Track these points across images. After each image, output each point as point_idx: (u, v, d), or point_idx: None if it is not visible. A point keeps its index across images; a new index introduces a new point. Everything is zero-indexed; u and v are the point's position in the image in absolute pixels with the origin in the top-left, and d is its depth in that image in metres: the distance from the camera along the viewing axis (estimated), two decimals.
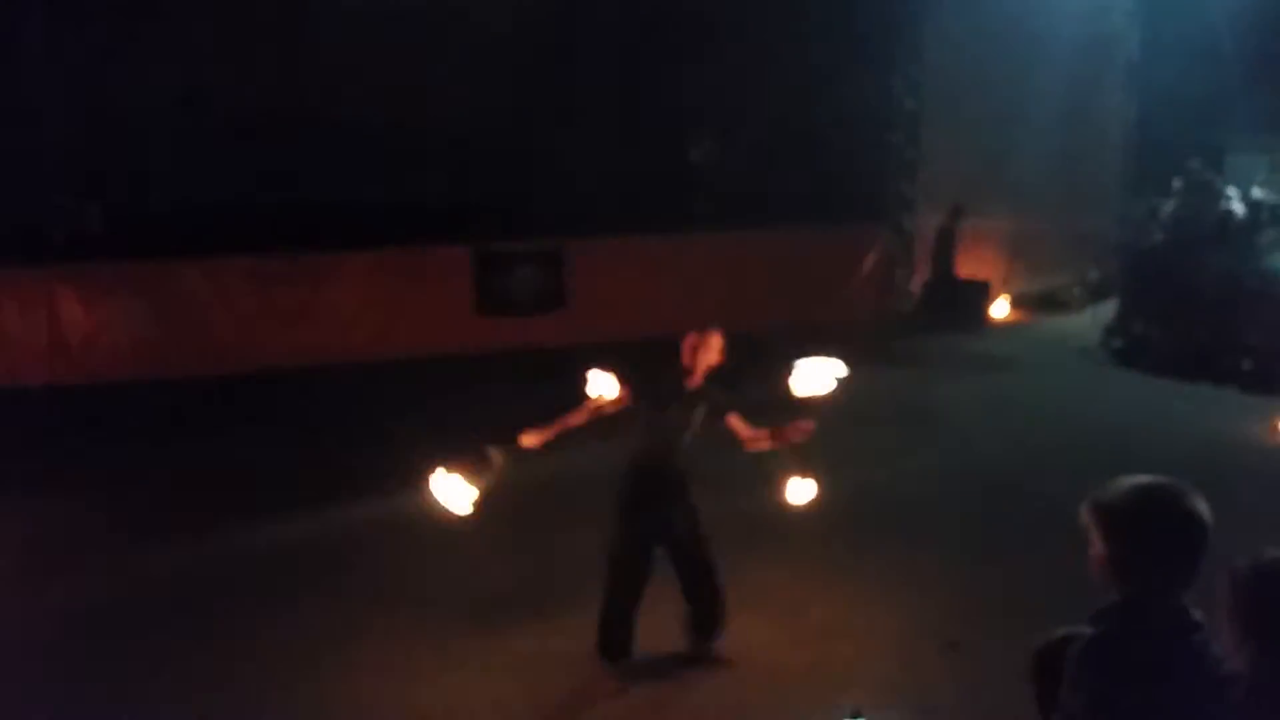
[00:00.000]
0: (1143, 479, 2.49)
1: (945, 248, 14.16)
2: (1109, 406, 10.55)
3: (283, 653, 5.60)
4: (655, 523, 5.26)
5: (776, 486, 5.32)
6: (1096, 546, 2.51)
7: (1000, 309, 14.65)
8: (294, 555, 6.86)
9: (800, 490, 5.31)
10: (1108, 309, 12.87)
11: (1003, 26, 13.89)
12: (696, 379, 5.29)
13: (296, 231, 11.80)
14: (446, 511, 4.98)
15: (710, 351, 5.30)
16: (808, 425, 5.20)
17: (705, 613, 5.42)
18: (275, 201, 12.13)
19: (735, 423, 5.32)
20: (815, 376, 5.30)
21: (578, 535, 6.45)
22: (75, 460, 8.66)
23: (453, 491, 4.73)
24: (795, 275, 13.52)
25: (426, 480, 4.90)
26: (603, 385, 5.30)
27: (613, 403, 5.29)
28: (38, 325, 11.01)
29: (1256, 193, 13.38)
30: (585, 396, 5.33)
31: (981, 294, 14.38)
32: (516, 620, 5.92)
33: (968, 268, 14.56)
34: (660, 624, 5.43)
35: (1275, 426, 9.51)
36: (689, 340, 5.34)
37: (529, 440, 5.20)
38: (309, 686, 5.29)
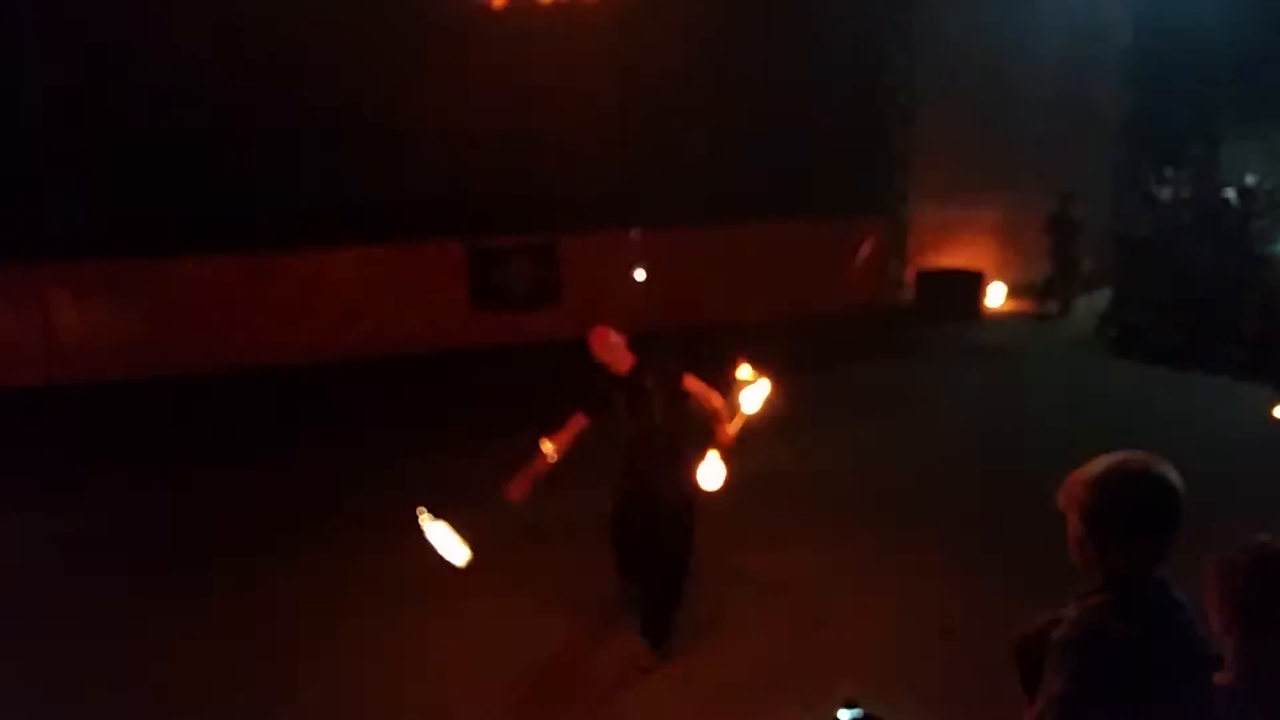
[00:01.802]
0: (1113, 456, 2.51)
1: (1065, 237, 14.04)
2: (1104, 395, 10.58)
3: (284, 645, 5.63)
4: (639, 491, 5.46)
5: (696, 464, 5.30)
6: (1074, 526, 2.53)
7: (996, 299, 14.68)
8: (294, 557, 6.88)
9: (711, 474, 5.25)
10: (1102, 298, 12.89)
11: (995, 18, 13.93)
12: (622, 367, 5.43)
13: (290, 227, 11.79)
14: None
15: (607, 344, 5.44)
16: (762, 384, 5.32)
17: (652, 601, 5.47)
18: (268, 198, 12.12)
19: (692, 382, 5.46)
20: (752, 397, 5.33)
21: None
22: (72, 462, 8.66)
23: (447, 541, 4.78)
24: (791, 267, 13.53)
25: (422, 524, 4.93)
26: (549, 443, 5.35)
27: (562, 438, 5.32)
28: (31, 325, 11.01)
29: (1250, 180, 13.42)
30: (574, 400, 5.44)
31: (976, 283, 14.41)
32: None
33: (962, 257, 14.60)
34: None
35: (1268, 415, 9.53)
36: (591, 341, 5.49)
37: (514, 495, 5.23)
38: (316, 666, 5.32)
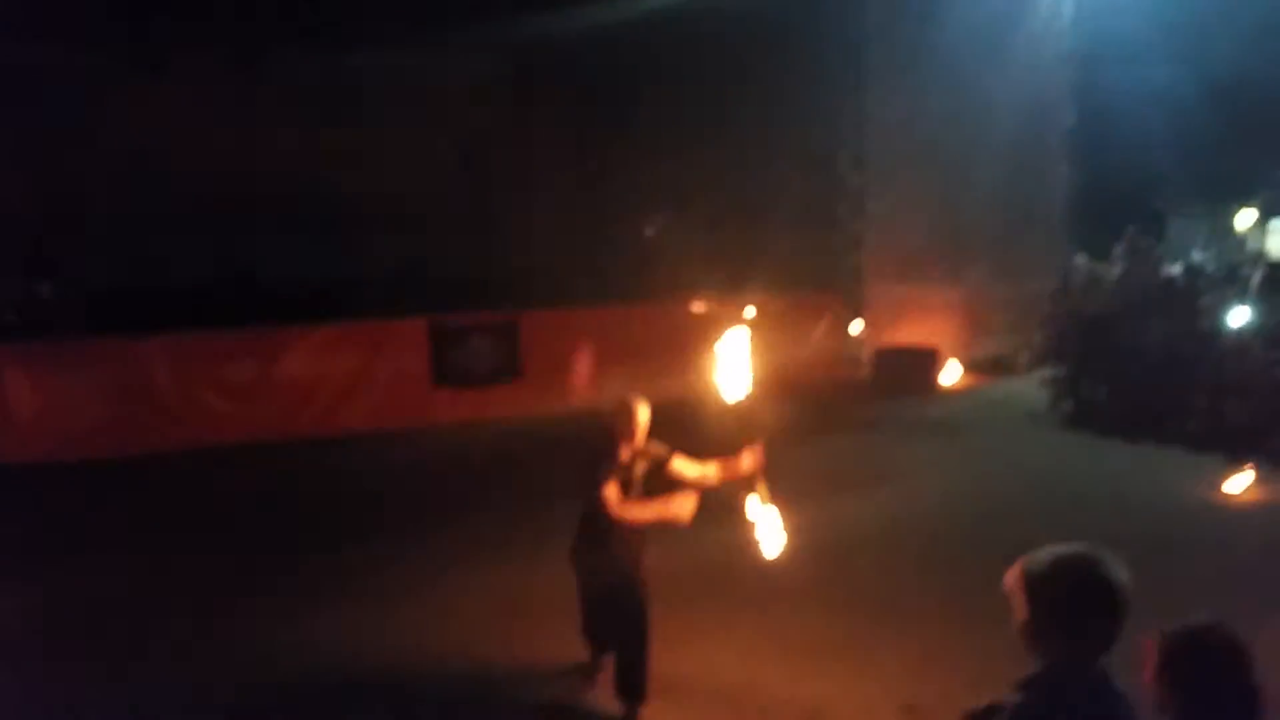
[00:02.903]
0: (1062, 547, 2.57)
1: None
2: (1060, 469, 10.71)
3: None
4: (585, 566, 5.54)
5: (747, 538, 5.26)
6: (1019, 613, 2.58)
7: (951, 374, 14.90)
8: (228, 644, 6.79)
9: (771, 540, 5.20)
10: (1056, 372, 13.11)
11: (944, 102, 14.32)
12: (627, 451, 5.42)
13: (252, 306, 11.82)
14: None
15: (627, 422, 5.42)
16: (757, 452, 5.35)
17: (624, 667, 5.48)
18: (230, 277, 12.16)
19: (680, 467, 5.52)
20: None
21: None
22: (26, 542, 8.52)
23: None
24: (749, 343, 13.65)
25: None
26: None
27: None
28: None
29: (1196, 257, 13.81)
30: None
31: (931, 359, 14.62)
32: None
33: (917, 334, 14.84)
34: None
35: (1219, 487, 9.72)
36: (612, 417, 5.46)
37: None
38: None
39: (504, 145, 15.14)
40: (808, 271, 14.36)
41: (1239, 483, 9.71)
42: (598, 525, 5.39)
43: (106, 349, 11.40)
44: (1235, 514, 9.23)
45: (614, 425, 5.43)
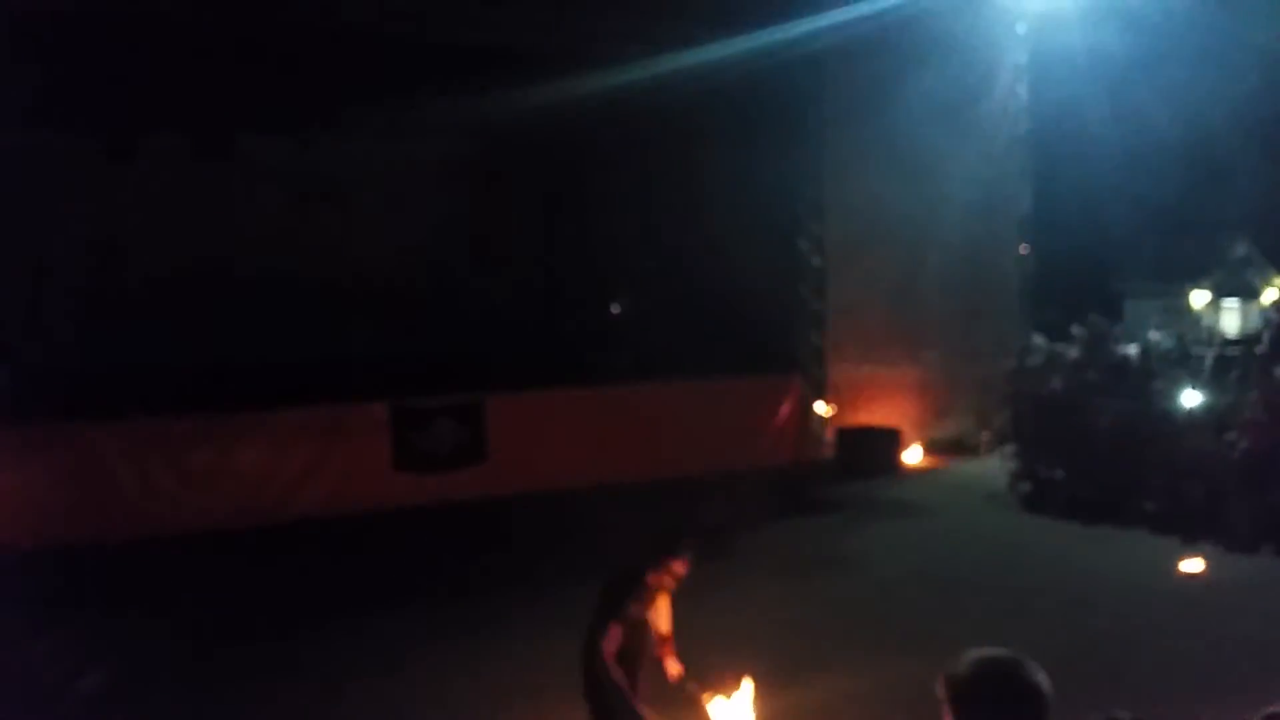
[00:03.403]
0: (985, 652, 2.61)
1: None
2: (1018, 552, 10.77)
3: None
4: None
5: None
6: (947, 717, 2.61)
7: (913, 455, 14.99)
8: None
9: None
10: (1014, 453, 13.21)
11: (902, 185, 14.59)
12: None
13: (208, 391, 11.73)
14: None
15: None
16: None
17: None
18: (186, 360, 12.09)
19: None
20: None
21: None
22: None
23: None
24: (713, 424, 13.71)
25: None
26: None
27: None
28: None
29: (1153, 336, 14.01)
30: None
31: (893, 439, 14.72)
32: None
33: (879, 414, 14.94)
34: None
35: (1176, 568, 9.79)
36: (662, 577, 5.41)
37: None
38: None
39: (468, 226, 15.28)
40: (771, 352, 14.47)
41: (1194, 565, 9.78)
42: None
43: (61, 434, 11.25)
44: (1191, 596, 9.30)
45: (650, 574, 5.39)
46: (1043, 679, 2.55)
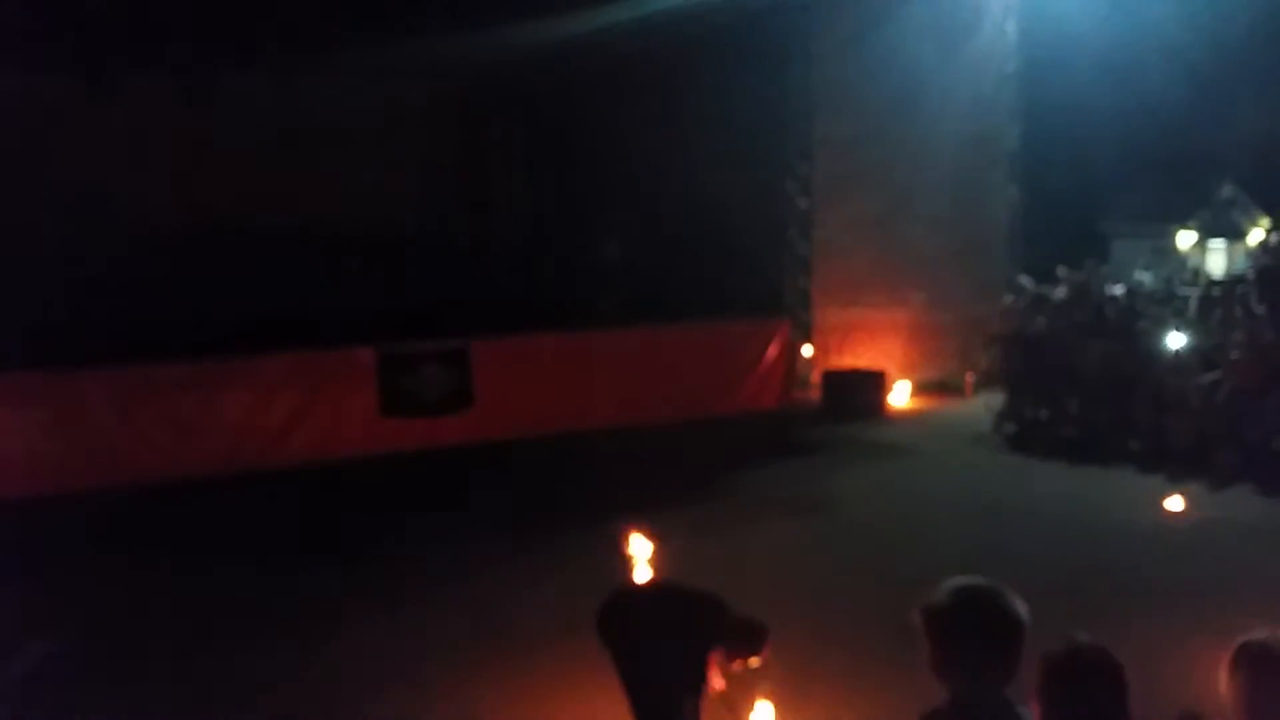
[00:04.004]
0: (962, 580, 2.64)
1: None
2: (1002, 491, 10.85)
3: None
4: None
5: None
6: (925, 647, 2.64)
7: (898, 397, 15.04)
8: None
9: None
10: (1000, 394, 13.27)
11: (888, 128, 14.51)
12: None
13: (196, 338, 11.68)
14: None
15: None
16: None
17: None
18: (172, 308, 12.03)
19: None
20: None
21: None
22: None
23: None
24: (700, 369, 13.73)
25: None
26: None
27: None
28: None
29: (1139, 277, 14.04)
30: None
31: (879, 382, 14.75)
32: None
33: (865, 357, 14.98)
34: None
35: (1162, 505, 9.89)
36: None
37: None
38: None
39: (454, 169, 15.16)
40: (757, 294, 14.46)
41: (1178, 502, 9.88)
42: None
43: (46, 382, 11.22)
44: (1174, 532, 9.41)
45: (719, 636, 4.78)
46: (1021, 608, 2.58)
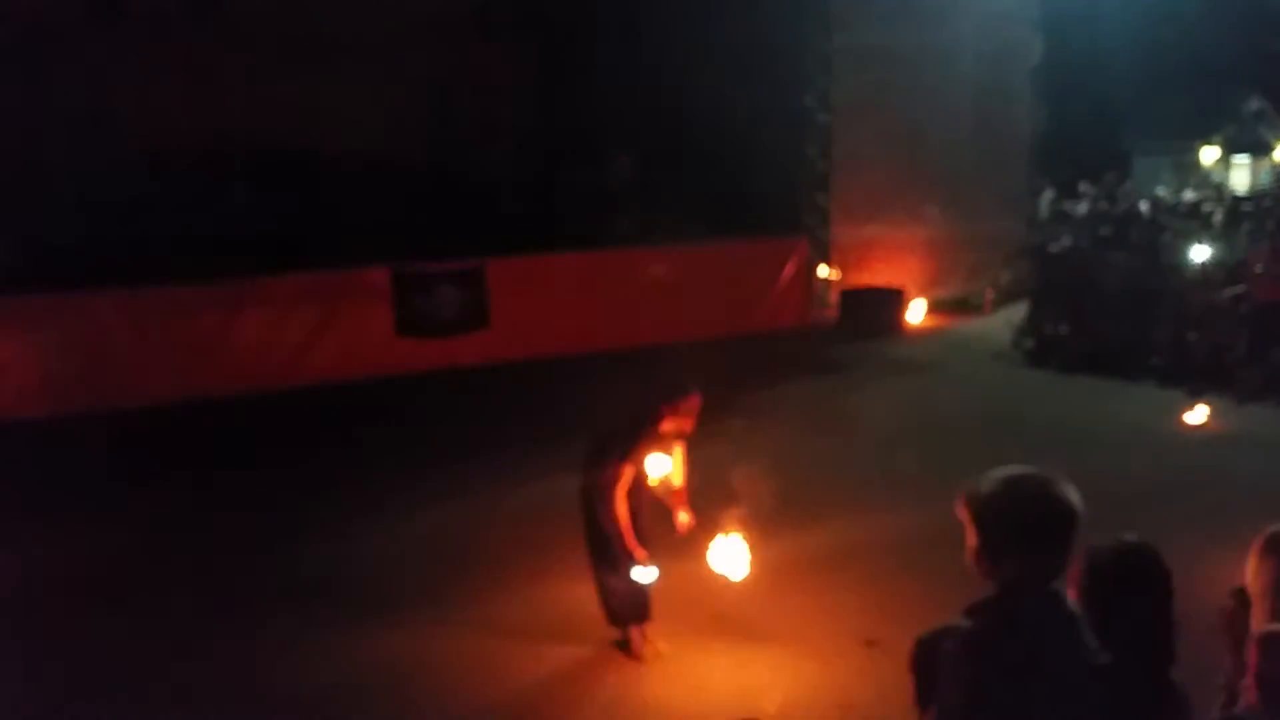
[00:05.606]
0: (1011, 469, 2.51)
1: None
2: (1022, 405, 10.79)
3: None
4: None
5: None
6: (970, 538, 2.53)
7: (917, 315, 14.93)
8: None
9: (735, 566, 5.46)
10: (1020, 311, 13.16)
11: (909, 40, 14.21)
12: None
13: (210, 258, 11.61)
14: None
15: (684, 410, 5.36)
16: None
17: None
18: (187, 228, 11.95)
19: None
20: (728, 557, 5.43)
21: None
22: None
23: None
24: (717, 288, 13.64)
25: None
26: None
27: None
28: None
29: (1160, 192, 13.83)
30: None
31: (897, 300, 14.64)
32: None
33: (883, 275, 14.84)
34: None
35: (1180, 419, 9.82)
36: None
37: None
38: None
39: (464, 88, 14.93)
40: (774, 212, 14.29)
41: (1199, 415, 9.82)
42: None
43: (61, 304, 11.20)
44: (1195, 443, 9.37)
45: (666, 404, 5.29)
46: (1074, 496, 2.47)
